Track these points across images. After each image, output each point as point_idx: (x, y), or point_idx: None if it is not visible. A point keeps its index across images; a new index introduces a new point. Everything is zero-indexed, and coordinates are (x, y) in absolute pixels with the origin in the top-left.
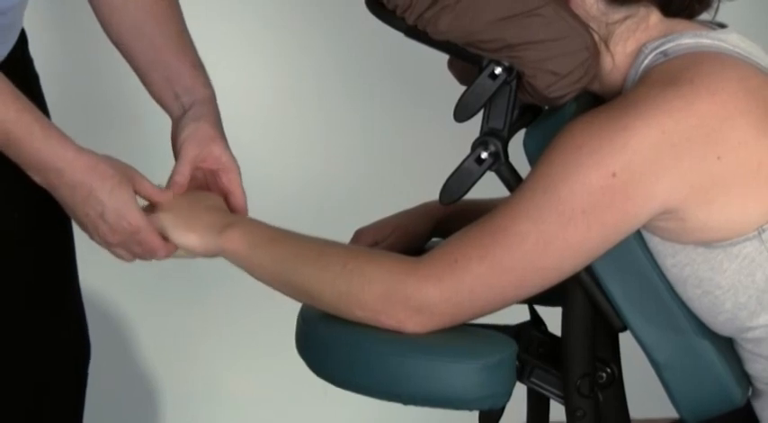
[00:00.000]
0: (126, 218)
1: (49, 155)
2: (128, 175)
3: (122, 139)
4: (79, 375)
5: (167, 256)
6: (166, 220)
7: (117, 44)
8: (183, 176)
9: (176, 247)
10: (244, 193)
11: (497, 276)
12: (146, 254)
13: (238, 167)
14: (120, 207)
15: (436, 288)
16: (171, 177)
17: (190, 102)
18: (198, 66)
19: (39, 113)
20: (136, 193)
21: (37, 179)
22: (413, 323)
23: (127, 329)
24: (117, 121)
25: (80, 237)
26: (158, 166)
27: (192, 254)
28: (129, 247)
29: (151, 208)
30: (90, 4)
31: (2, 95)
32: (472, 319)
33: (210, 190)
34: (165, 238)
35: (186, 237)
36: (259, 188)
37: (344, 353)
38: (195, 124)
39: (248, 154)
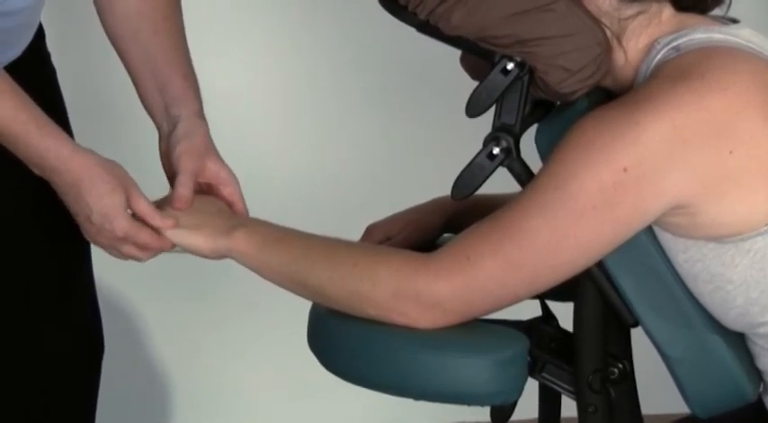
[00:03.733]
0: (111, 224)
1: (44, 153)
2: (122, 184)
3: (134, 134)
4: (93, 370)
5: (160, 249)
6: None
7: (113, 45)
8: (188, 189)
9: (171, 243)
10: (245, 204)
11: (509, 272)
12: (137, 253)
13: (237, 179)
14: (107, 213)
15: (448, 284)
16: (175, 190)
17: (178, 115)
18: (190, 77)
19: (37, 111)
20: (130, 208)
21: (37, 172)
22: (424, 320)
23: (139, 326)
24: (130, 115)
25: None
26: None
27: (199, 256)
28: (117, 249)
29: (159, 205)
30: (94, 5)
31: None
32: (484, 314)
33: None
34: (157, 233)
35: (193, 238)
36: (267, 187)
37: (356, 348)
38: (189, 139)
39: (257, 153)
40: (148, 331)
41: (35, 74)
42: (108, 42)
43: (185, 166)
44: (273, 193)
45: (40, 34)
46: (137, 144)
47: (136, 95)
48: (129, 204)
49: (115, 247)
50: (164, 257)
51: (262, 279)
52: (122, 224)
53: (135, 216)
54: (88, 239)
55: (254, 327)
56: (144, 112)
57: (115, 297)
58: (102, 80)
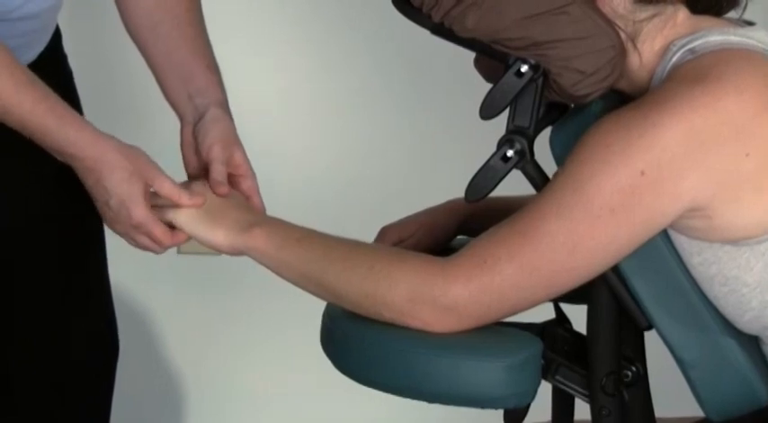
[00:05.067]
0: (129, 211)
1: (63, 141)
2: (142, 170)
3: (151, 135)
4: (107, 371)
5: (173, 246)
6: (189, 216)
7: (134, 39)
8: (224, 176)
9: (185, 237)
10: (261, 199)
11: (526, 276)
12: (151, 245)
13: (255, 175)
14: (124, 199)
15: (464, 289)
16: (211, 178)
17: (204, 104)
18: (213, 68)
19: (55, 100)
20: (155, 190)
21: (60, 158)
22: (440, 324)
23: (152, 326)
24: (147, 116)
25: (108, 233)
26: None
27: (212, 251)
28: (133, 238)
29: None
30: (114, 1)
31: (17, 86)
32: (500, 319)
33: None
34: (172, 228)
35: (211, 233)
36: (281, 187)
37: (369, 351)
38: (219, 128)
39: (270, 153)
40: (162, 333)
41: (52, 76)
42: (126, 44)
43: (216, 155)
44: (288, 194)
45: (56, 37)
46: (154, 145)
47: (153, 97)
48: (153, 186)
49: (131, 236)
50: (179, 260)
51: (278, 280)
52: (138, 212)
53: (154, 198)
54: (106, 225)
55: (268, 328)
56: (162, 115)
57: (129, 299)
58: (120, 82)
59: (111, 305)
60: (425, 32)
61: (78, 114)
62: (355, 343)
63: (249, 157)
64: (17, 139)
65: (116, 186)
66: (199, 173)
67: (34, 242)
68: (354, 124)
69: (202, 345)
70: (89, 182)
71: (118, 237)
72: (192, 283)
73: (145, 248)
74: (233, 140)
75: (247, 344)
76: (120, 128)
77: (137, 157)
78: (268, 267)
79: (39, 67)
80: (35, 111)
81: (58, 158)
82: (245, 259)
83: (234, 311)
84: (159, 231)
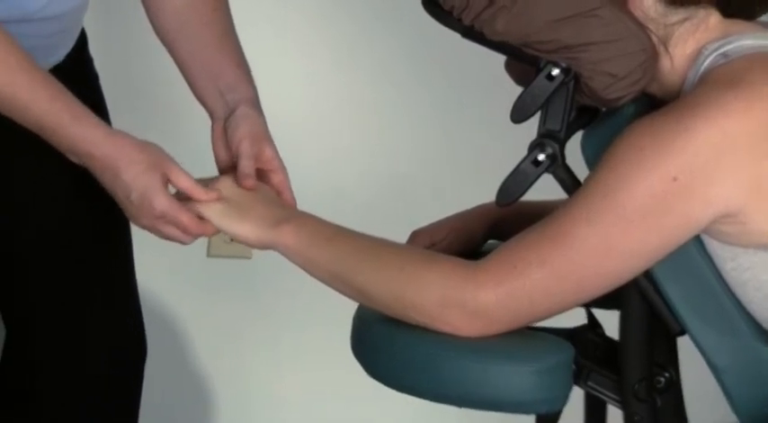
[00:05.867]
0: (150, 202)
1: (78, 139)
2: (158, 162)
3: (178, 136)
4: (135, 374)
5: (201, 234)
6: (218, 207)
7: (162, 39)
8: (251, 170)
9: (214, 229)
10: (293, 194)
11: (556, 281)
12: (179, 235)
13: (286, 170)
14: (145, 191)
15: (494, 293)
16: (239, 173)
17: (235, 99)
18: (242, 65)
19: (70, 99)
20: (171, 184)
21: (75, 160)
22: (469, 328)
23: (181, 328)
24: (173, 118)
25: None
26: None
27: (242, 253)
28: (159, 231)
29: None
30: (142, 2)
31: (32, 85)
32: (529, 324)
33: None
34: (202, 219)
35: (239, 226)
36: (311, 186)
37: (399, 354)
38: (249, 123)
39: (302, 152)
40: (191, 335)
41: (78, 79)
42: (152, 47)
43: (245, 151)
44: (316, 194)
45: (82, 39)
46: (180, 146)
47: (179, 101)
48: (170, 181)
49: (156, 228)
50: (206, 262)
51: (307, 283)
52: (161, 201)
53: (177, 195)
54: (131, 222)
55: (298, 331)
56: (187, 117)
57: (157, 300)
58: (146, 85)
59: (138, 309)
60: (454, 35)
61: (93, 113)
62: (385, 347)
63: (281, 154)
64: (36, 138)
65: (135, 179)
66: (229, 168)
67: (62, 242)
68: (386, 126)
69: (232, 349)
70: (107, 180)
71: (146, 242)
72: (221, 286)
73: (173, 239)
74: (263, 136)
75: (278, 348)
76: (147, 130)
77: (152, 151)
78: (296, 264)
79: (64, 69)
80: (50, 109)
81: (75, 160)
82: (273, 262)
83: (265, 315)
84: (186, 218)
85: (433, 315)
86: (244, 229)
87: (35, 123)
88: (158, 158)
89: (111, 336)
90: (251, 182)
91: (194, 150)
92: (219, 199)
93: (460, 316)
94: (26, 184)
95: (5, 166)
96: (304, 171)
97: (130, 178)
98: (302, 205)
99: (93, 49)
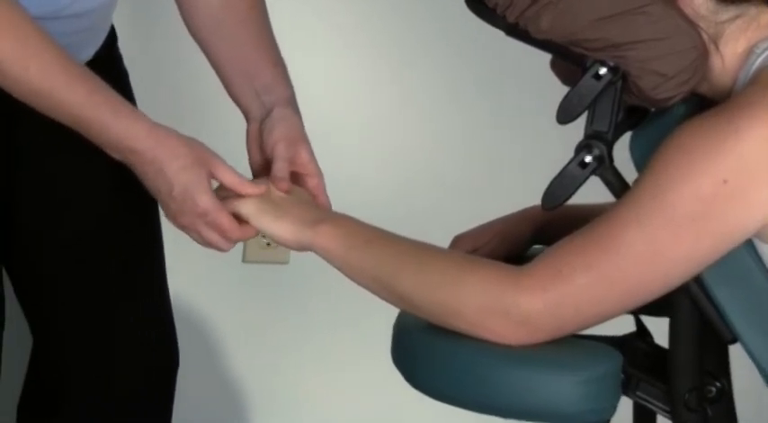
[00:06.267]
0: (194, 198)
1: (120, 134)
2: (203, 158)
3: (211, 136)
4: (167, 383)
5: (241, 238)
6: (254, 206)
7: (196, 38)
8: (286, 172)
9: (254, 232)
10: (329, 198)
11: (604, 287)
12: (218, 239)
13: (322, 174)
14: (188, 187)
15: (539, 300)
16: (273, 175)
17: (271, 100)
18: (279, 64)
19: (110, 93)
20: (216, 179)
21: (116, 157)
22: (513, 336)
23: (214, 337)
24: (202, 118)
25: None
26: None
27: (282, 245)
28: (199, 231)
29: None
30: (175, 1)
31: (70, 79)
32: (575, 332)
33: None
34: (240, 223)
35: (276, 225)
36: (357, 187)
37: (440, 363)
38: (285, 125)
39: (347, 151)
40: (224, 342)
41: (107, 77)
42: (183, 44)
43: (280, 154)
44: (362, 195)
45: (112, 37)
46: (212, 146)
47: (210, 97)
48: (214, 177)
49: (197, 228)
50: (241, 268)
51: (345, 289)
52: (204, 199)
53: (219, 192)
54: (171, 221)
55: (335, 337)
56: (220, 117)
57: (189, 307)
58: (177, 84)
59: (170, 317)
60: (497, 33)
61: (134, 106)
62: (426, 355)
63: (323, 156)
64: (74, 136)
65: (178, 174)
66: (263, 170)
67: (96, 245)
68: (424, 129)
69: (268, 358)
70: (149, 174)
71: (179, 247)
72: (256, 293)
73: (212, 244)
74: (299, 138)
75: (314, 355)
76: (178, 129)
77: (196, 146)
78: (334, 266)
79: (93, 67)
80: (89, 103)
81: (115, 156)
82: (311, 268)
83: (300, 320)
84: (227, 220)
85: (475, 322)
86: (281, 228)
87: (74, 119)
88: (203, 154)
89: (142, 344)
90: (285, 185)
91: (226, 151)
92: (261, 196)
93: (504, 323)
94: (66, 183)
95: (49, 164)
96: (342, 173)
97: (173, 173)
98: (342, 202)
99: (123, 46)
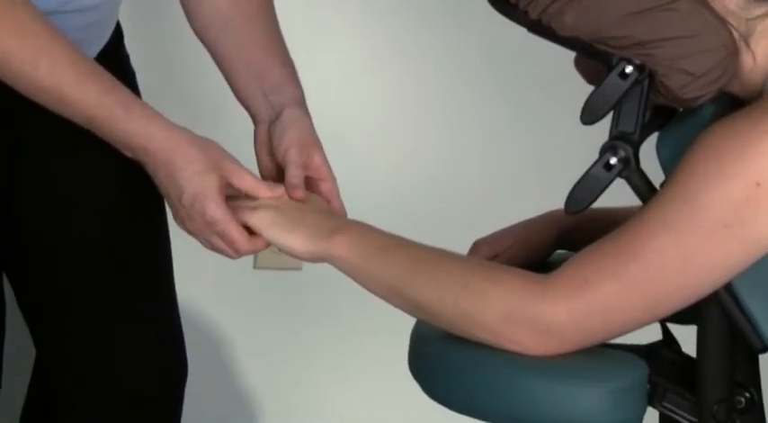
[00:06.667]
0: (203, 206)
1: (133, 134)
2: (217, 163)
3: (218, 138)
4: (175, 393)
5: (251, 252)
6: (266, 217)
7: (202, 37)
8: (300, 179)
9: (264, 244)
10: (342, 203)
11: (633, 296)
12: (226, 249)
13: (335, 178)
14: (198, 194)
15: (565, 310)
16: (287, 182)
17: (280, 102)
18: (288, 65)
19: (123, 92)
20: (233, 185)
21: (129, 155)
22: (538, 347)
23: (225, 345)
24: (206, 120)
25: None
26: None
27: (295, 257)
28: (207, 239)
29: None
30: (180, 1)
31: (81, 78)
32: (602, 342)
33: None
34: (251, 234)
35: (289, 237)
36: (374, 191)
37: (462, 374)
38: (296, 129)
39: (365, 155)
40: (236, 353)
41: (115, 75)
42: (191, 44)
43: (292, 159)
44: (379, 199)
45: (118, 34)
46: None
47: (219, 101)
48: (230, 181)
49: (204, 236)
50: (253, 274)
51: (359, 297)
52: (213, 208)
53: (229, 193)
54: (179, 225)
55: (350, 347)
56: (228, 118)
57: (198, 314)
58: (185, 84)
59: (178, 324)
60: (520, 30)
61: (147, 105)
62: (446, 366)
63: (342, 159)
64: (78, 134)
65: (190, 179)
66: (274, 176)
67: (101, 250)
68: (448, 128)
69: (280, 366)
70: (160, 176)
71: (188, 252)
72: (268, 300)
73: (219, 252)
74: (311, 141)
75: (328, 366)
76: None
77: (213, 150)
78: (351, 277)
79: (100, 64)
80: (101, 102)
81: (127, 154)
82: (325, 274)
83: (314, 330)
84: (236, 232)
85: (498, 333)
86: (294, 240)
87: (86, 118)
88: (218, 158)
89: (148, 352)
90: (300, 193)
91: (235, 154)
92: (273, 204)
93: (529, 334)
94: (69, 183)
95: (51, 163)
96: (355, 176)
97: (185, 178)
98: (355, 208)
99: (130, 45)
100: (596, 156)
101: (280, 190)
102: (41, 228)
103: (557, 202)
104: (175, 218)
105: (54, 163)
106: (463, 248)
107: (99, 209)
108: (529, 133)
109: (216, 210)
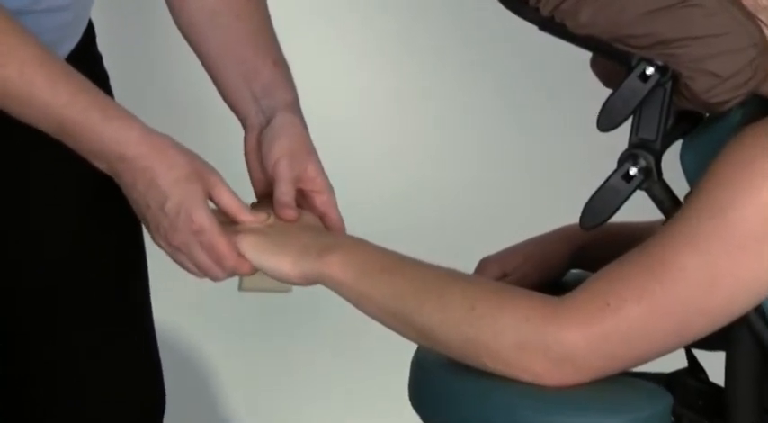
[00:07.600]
0: (189, 213)
1: (110, 139)
2: (201, 173)
3: (195, 146)
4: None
5: (236, 271)
6: (251, 240)
7: (187, 35)
8: (291, 197)
9: (250, 268)
10: (340, 215)
11: (657, 320)
12: (212, 266)
13: (332, 188)
14: (183, 201)
15: (583, 337)
16: (276, 200)
17: (271, 106)
18: (280, 64)
19: (98, 94)
20: (214, 201)
21: (101, 167)
22: (553, 376)
23: (206, 375)
24: (192, 125)
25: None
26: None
27: (285, 281)
28: (192, 254)
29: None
30: None
31: (52, 78)
32: (623, 370)
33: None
34: (240, 255)
35: (277, 260)
36: (376, 200)
37: (468, 406)
38: (288, 138)
39: (365, 162)
40: (217, 381)
41: (87, 76)
42: (171, 43)
43: (282, 173)
44: (380, 209)
45: (89, 34)
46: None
47: (203, 103)
48: (211, 196)
49: (189, 250)
50: (237, 297)
51: (354, 320)
52: (200, 214)
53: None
54: (159, 241)
55: (341, 373)
56: (213, 123)
57: (178, 341)
58: (164, 87)
59: (155, 353)
60: (533, 28)
61: (125, 109)
62: (451, 397)
63: (341, 167)
64: (41, 148)
65: (173, 186)
66: (267, 188)
67: (71, 277)
68: (454, 132)
69: (267, 396)
70: (139, 186)
71: (166, 273)
72: (254, 324)
73: (203, 269)
74: (304, 151)
75: (317, 398)
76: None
77: (194, 158)
78: (346, 299)
79: (71, 65)
80: (74, 105)
81: (99, 166)
82: (316, 296)
83: (303, 357)
84: (224, 242)
85: (510, 361)
86: (284, 263)
87: (57, 124)
88: (201, 167)
89: (122, 387)
90: (290, 213)
91: (219, 164)
92: (262, 227)
93: (543, 362)
94: (41, 212)
95: (20, 191)
96: (354, 180)
97: (168, 185)
98: (351, 218)
99: (102, 45)
100: (595, 158)
101: (262, 215)
102: (15, 257)
103: (552, 203)
104: (155, 235)
105: (33, 186)
106: (460, 252)
107: (64, 230)
108: (544, 143)
109: (203, 216)
